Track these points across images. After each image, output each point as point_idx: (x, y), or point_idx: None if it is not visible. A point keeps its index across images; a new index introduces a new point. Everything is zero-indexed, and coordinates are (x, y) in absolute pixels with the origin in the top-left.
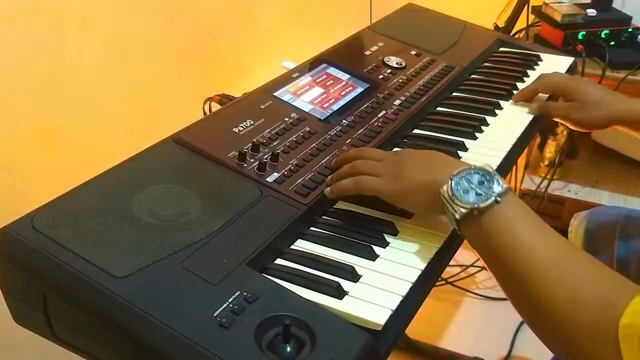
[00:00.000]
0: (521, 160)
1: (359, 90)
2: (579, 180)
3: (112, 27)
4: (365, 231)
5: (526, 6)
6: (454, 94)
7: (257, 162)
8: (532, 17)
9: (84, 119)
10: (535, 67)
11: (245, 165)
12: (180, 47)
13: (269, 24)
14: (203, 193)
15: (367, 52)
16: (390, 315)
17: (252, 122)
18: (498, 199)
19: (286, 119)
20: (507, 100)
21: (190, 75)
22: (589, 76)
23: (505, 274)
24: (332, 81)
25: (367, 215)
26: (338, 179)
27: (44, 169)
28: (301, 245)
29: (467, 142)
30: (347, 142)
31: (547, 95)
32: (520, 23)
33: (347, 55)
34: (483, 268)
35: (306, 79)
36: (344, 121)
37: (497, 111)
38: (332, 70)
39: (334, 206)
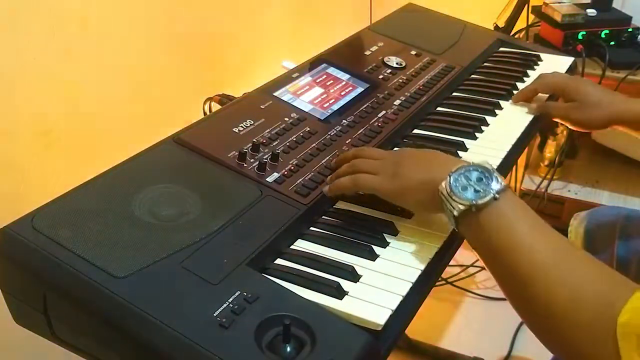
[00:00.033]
0: (521, 160)
1: (359, 90)
2: (579, 180)
3: (112, 27)
4: (365, 231)
5: (526, 6)
6: (454, 94)
7: (257, 162)
8: (532, 17)
9: (84, 119)
10: (535, 67)
11: (245, 165)
12: (180, 47)
13: (269, 24)
14: (203, 193)
15: (367, 52)
16: (390, 315)
17: (252, 122)
18: (496, 196)
19: (286, 119)
20: (507, 100)
21: (190, 75)
22: (589, 76)
23: (504, 273)
24: (332, 81)
25: (367, 215)
26: (337, 178)
27: (44, 169)
28: (301, 245)
29: (467, 142)
30: (347, 142)
31: (547, 95)
32: (520, 23)
33: (347, 55)
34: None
35: (306, 79)
36: (344, 121)
37: (497, 111)
38: (332, 70)
39: (334, 206)
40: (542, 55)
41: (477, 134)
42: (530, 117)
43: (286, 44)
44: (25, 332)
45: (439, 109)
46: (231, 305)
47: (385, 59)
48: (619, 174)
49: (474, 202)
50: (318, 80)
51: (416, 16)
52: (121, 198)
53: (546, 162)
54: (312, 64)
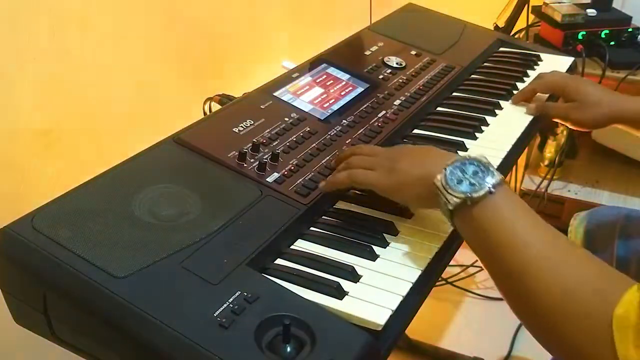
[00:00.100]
0: (521, 160)
1: (359, 90)
2: (579, 180)
3: (112, 27)
4: (365, 231)
5: (526, 6)
6: (454, 94)
7: (257, 162)
8: (532, 17)
9: (84, 119)
10: (535, 67)
11: (245, 165)
12: (180, 47)
13: (269, 24)
14: (203, 193)
15: (367, 52)
16: (391, 316)
17: (252, 122)
18: (492, 189)
19: (286, 119)
20: (507, 100)
21: (190, 75)
22: (588, 76)
23: (499, 267)
24: (332, 81)
25: (367, 215)
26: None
27: (44, 169)
28: (301, 245)
29: (467, 142)
30: (347, 142)
31: (547, 95)
32: (520, 23)
33: (347, 55)
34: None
35: (306, 79)
36: (344, 121)
37: (497, 111)
38: (332, 70)
39: (334, 206)
40: (542, 55)
41: (477, 134)
42: (530, 117)
43: (286, 44)
44: (25, 332)
45: (439, 109)
46: (231, 305)
47: (385, 59)
48: (619, 174)
49: (469, 195)
50: (318, 80)
51: (416, 16)
52: (121, 198)
53: (546, 162)
54: (312, 64)
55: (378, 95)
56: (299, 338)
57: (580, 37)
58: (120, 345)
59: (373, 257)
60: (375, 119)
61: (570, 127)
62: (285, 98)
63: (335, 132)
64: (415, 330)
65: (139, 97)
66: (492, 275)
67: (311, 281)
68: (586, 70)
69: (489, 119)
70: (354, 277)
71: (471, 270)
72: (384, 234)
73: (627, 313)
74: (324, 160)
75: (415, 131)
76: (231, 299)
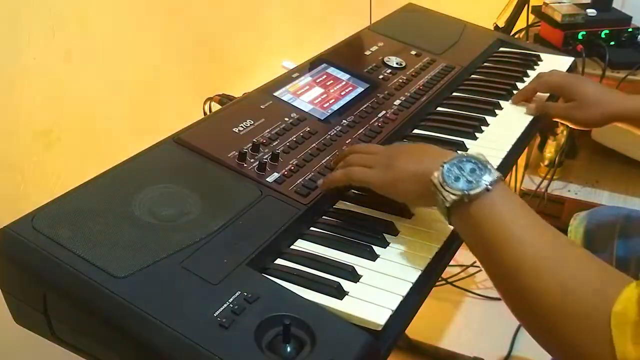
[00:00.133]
0: (521, 160)
1: (359, 90)
2: (579, 180)
3: (112, 27)
4: (365, 231)
5: (526, 6)
6: (454, 94)
7: (257, 162)
8: (532, 17)
9: (84, 119)
10: (535, 67)
11: (245, 165)
12: (180, 47)
13: (269, 24)
14: (203, 193)
15: (367, 52)
16: (391, 316)
17: (252, 122)
18: (489, 187)
19: (286, 119)
20: (507, 100)
21: (190, 75)
22: (589, 76)
23: (496, 265)
24: (332, 81)
25: (367, 215)
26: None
27: (44, 169)
28: (301, 245)
29: (467, 142)
30: (347, 142)
31: (547, 95)
32: (520, 23)
33: (347, 55)
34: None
35: (306, 79)
36: (344, 121)
37: (497, 111)
38: (332, 70)
39: (334, 206)
40: (542, 55)
41: (477, 134)
42: (530, 117)
43: (286, 44)
44: (25, 332)
45: (439, 109)
46: (231, 305)
47: (385, 59)
48: (619, 174)
49: (466, 192)
50: (318, 80)
51: (416, 16)
52: (121, 198)
53: (546, 162)
54: (312, 64)
55: (378, 95)
56: (299, 338)
57: (580, 37)
58: (120, 345)
59: (373, 257)
60: (375, 119)
61: (571, 126)
62: (285, 98)
63: (335, 132)
64: (415, 330)
65: (139, 97)
66: (490, 274)
67: (311, 281)
68: (586, 70)
69: (489, 119)
70: (354, 277)
71: (471, 270)
72: (384, 234)
73: (626, 310)
74: (324, 160)
75: (415, 131)
76: (231, 299)
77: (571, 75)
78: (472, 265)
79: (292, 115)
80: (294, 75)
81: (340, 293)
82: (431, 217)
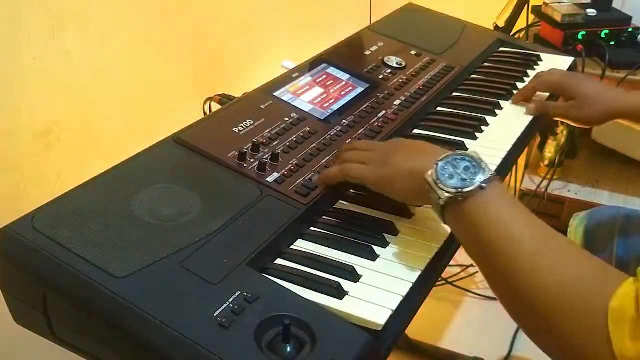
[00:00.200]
0: (521, 160)
1: (359, 90)
2: (579, 180)
3: (112, 27)
4: (365, 231)
5: (526, 6)
6: (454, 94)
7: (257, 162)
8: (532, 17)
9: (84, 119)
10: (535, 67)
11: (245, 165)
12: (180, 47)
13: (269, 24)
14: (203, 193)
15: (367, 52)
16: (391, 316)
17: (252, 122)
18: (483, 185)
19: (286, 119)
20: (507, 100)
21: (190, 75)
22: (588, 76)
23: (491, 264)
24: (332, 81)
25: (367, 215)
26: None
27: (44, 169)
28: (301, 245)
29: (467, 142)
30: (347, 142)
31: (547, 95)
32: (520, 23)
33: (347, 55)
34: None
35: (306, 79)
36: (344, 121)
37: (497, 111)
38: (332, 70)
39: (334, 206)
40: (542, 55)
41: (477, 134)
42: (530, 117)
43: (286, 44)
44: (25, 332)
45: (439, 109)
46: (231, 305)
47: (385, 59)
48: (619, 174)
49: (460, 189)
50: (318, 80)
51: (416, 16)
52: (121, 198)
53: (546, 162)
54: (312, 64)
55: (378, 95)
56: (299, 338)
57: (580, 37)
58: (120, 345)
59: (373, 257)
60: (375, 119)
61: (572, 124)
62: (285, 98)
63: (335, 132)
64: (415, 330)
65: (139, 97)
66: (486, 273)
67: (311, 281)
68: (586, 70)
69: (489, 119)
70: (354, 277)
71: (471, 270)
72: (384, 234)
73: (623, 306)
74: (324, 160)
75: (415, 131)
76: (231, 299)
77: (570, 73)
78: (472, 265)
79: (292, 115)
80: (294, 75)
81: (340, 293)
82: (431, 217)
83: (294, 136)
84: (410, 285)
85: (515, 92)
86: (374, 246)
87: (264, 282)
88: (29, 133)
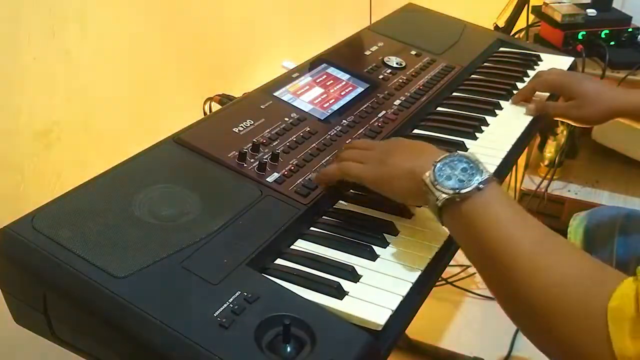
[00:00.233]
0: (521, 160)
1: (359, 90)
2: (579, 180)
3: (112, 27)
4: (365, 231)
5: (526, 6)
6: (454, 94)
7: (257, 162)
8: (532, 17)
9: (84, 119)
10: (536, 67)
11: (245, 165)
12: (180, 47)
13: (269, 24)
14: (203, 193)
15: (367, 52)
16: (391, 316)
17: (252, 122)
18: (480, 185)
19: (286, 119)
20: (507, 100)
21: (190, 75)
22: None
23: (490, 265)
24: (332, 81)
25: (367, 215)
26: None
27: (44, 169)
28: (301, 245)
29: (467, 142)
30: (347, 142)
31: (547, 95)
32: (520, 23)
33: (347, 55)
34: None
35: (306, 79)
36: (344, 121)
37: (497, 111)
38: (332, 70)
39: (334, 206)
40: (542, 55)
41: (477, 134)
42: (530, 117)
43: (286, 44)
44: (25, 332)
45: (439, 109)
46: (231, 305)
47: (385, 59)
48: (619, 174)
49: (457, 190)
50: (318, 80)
51: (416, 16)
52: (121, 198)
53: (546, 162)
54: (312, 64)
55: (378, 95)
56: (299, 338)
57: (580, 37)
58: (120, 345)
59: (373, 257)
60: (375, 119)
61: (573, 124)
62: (285, 98)
63: (335, 132)
64: (415, 330)
65: (139, 97)
66: (483, 274)
67: (311, 281)
68: (586, 71)
69: (489, 119)
70: (354, 277)
71: (471, 270)
72: (384, 234)
73: (622, 305)
74: (324, 160)
75: (415, 131)
76: (231, 299)
77: (570, 73)
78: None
79: (292, 115)
80: (294, 75)
81: (340, 293)
82: (431, 217)
83: (294, 136)
84: (410, 285)
85: (515, 92)
86: (374, 246)
87: (264, 282)
88: (29, 133)
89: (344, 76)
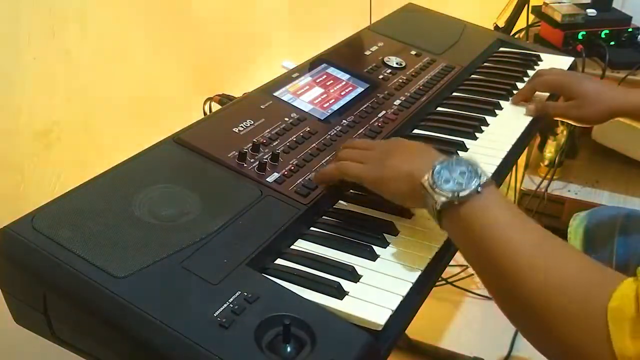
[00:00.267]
0: (521, 160)
1: (359, 90)
2: (579, 180)
3: (112, 27)
4: (365, 231)
5: (526, 6)
6: (454, 94)
7: (257, 162)
8: (532, 17)
9: (84, 119)
10: (535, 67)
11: (245, 165)
12: (180, 47)
13: (269, 24)
14: (203, 193)
15: (367, 52)
16: (391, 316)
17: (252, 122)
18: (479, 189)
19: (286, 119)
20: (507, 100)
21: (190, 75)
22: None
23: (490, 268)
24: (332, 81)
25: (367, 215)
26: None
27: (44, 169)
28: (301, 245)
29: (467, 142)
30: (346, 141)
31: (547, 95)
32: (520, 23)
33: (347, 55)
34: None
35: (306, 79)
36: (344, 121)
37: (497, 111)
38: (332, 70)
39: (334, 206)
40: (542, 55)
41: (477, 134)
42: (530, 117)
43: (286, 44)
44: (25, 332)
45: (439, 109)
46: (231, 305)
47: (385, 59)
48: (619, 174)
49: (456, 194)
50: (318, 80)
51: (416, 16)
52: (121, 198)
53: (546, 162)
54: (312, 64)
55: (378, 95)
56: (299, 338)
57: (580, 37)
58: (120, 345)
59: (373, 257)
60: (375, 119)
61: (573, 124)
62: (285, 98)
63: (335, 132)
64: (415, 330)
65: (139, 97)
66: (483, 276)
67: (311, 281)
68: (586, 71)
69: (489, 119)
70: (354, 277)
71: (471, 270)
72: (384, 234)
73: (622, 305)
74: (324, 160)
75: (415, 131)
76: (231, 299)
77: (569, 73)
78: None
79: (292, 115)
80: (294, 75)
81: (340, 293)
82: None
83: (294, 136)
84: (410, 285)
85: (515, 92)
86: (374, 246)
87: (264, 282)
88: (29, 133)
89: (344, 76)
